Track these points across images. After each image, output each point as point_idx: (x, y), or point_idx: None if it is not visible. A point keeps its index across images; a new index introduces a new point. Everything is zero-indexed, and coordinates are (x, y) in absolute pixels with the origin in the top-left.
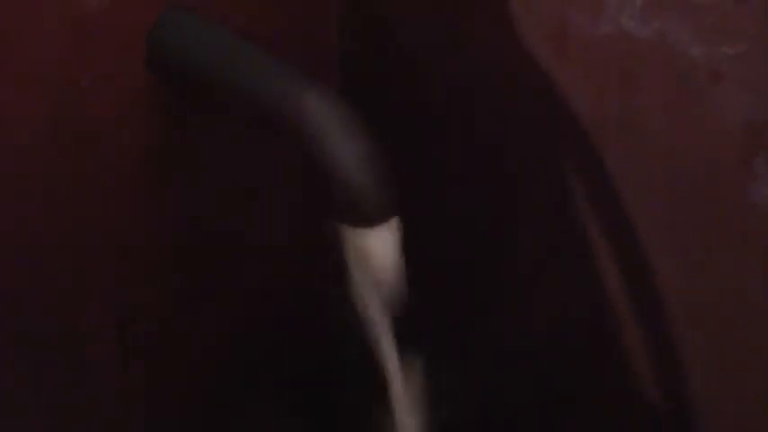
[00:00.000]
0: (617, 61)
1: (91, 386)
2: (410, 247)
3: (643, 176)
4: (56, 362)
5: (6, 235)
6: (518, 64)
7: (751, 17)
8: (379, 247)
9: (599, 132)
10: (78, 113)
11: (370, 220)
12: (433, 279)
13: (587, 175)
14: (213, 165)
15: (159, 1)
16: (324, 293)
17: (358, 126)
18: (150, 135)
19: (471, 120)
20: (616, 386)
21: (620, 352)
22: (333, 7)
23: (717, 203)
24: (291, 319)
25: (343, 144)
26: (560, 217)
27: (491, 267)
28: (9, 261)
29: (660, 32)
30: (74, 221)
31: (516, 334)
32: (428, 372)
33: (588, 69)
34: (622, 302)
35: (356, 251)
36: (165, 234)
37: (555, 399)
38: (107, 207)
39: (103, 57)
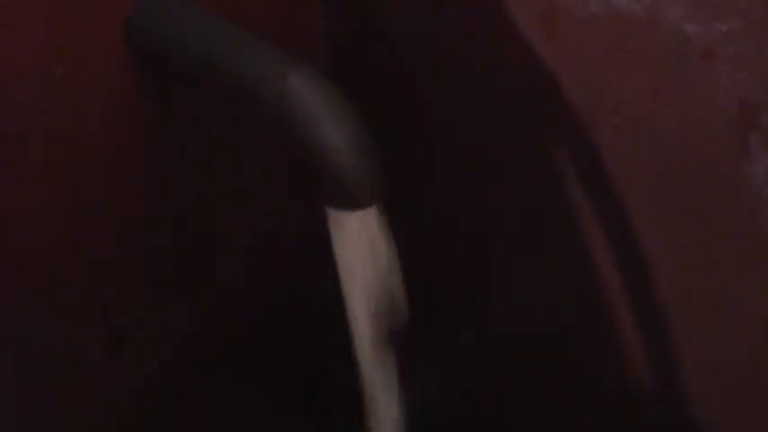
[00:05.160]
0: (607, 40)
1: (75, 374)
2: (395, 231)
3: (635, 156)
4: (39, 350)
5: None
6: (506, 44)
7: None
8: (366, 230)
9: (590, 112)
10: (54, 102)
11: (357, 201)
12: (419, 264)
13: (578, 156)
14: (195, 154)
15: None
16: (310, 286)
17: (345, 105)
18: (130, 123)
19: (458, 101)
20: (606, 373)
21: (611, 337)
22: None
23: (710, 182)
24: (277, 311)
25: (329, 123)
26: (550, 200)
27: (478, 251)
28: None
29: (651, 9)
30: (54, 211)
31: (504, 320)
32: (414, 359)
33: (578, 49)
34: (614, 286)
35: (342, 234)
36: (148, 223)
37: (541, 386)
38: (87, 197)
39: (80, 41)
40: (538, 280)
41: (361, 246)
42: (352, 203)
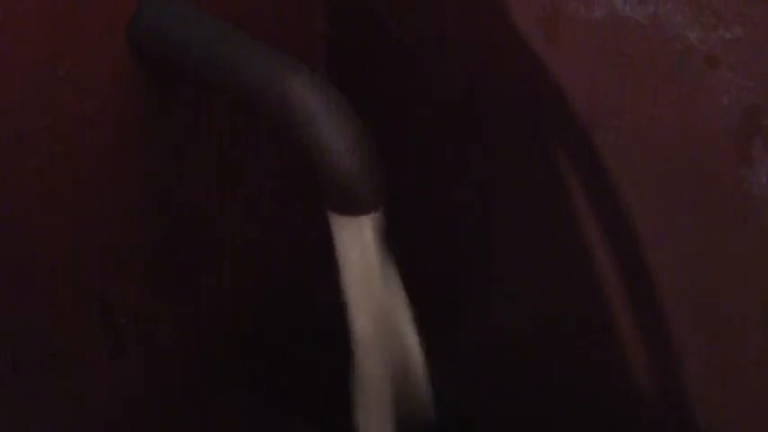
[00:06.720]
0: (610, 46)
1: (75, 374)
2: (395, 236)
3: (637, 162)
4: (39, 350)
5: None
6: (509, 49)
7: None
8: (365, 236)
9: (591, 117)
10: (56, 103)
11: (359, 206)
12: (419, 265)
13: (579, 160)
14: (196, 155)
15: None
16: (310, 286)
17: (346, 109)
18: (131, 124)
19: (459, 105)
20: (606, 373)
21: (611, 337)
22: None
23: (712, 187)
24: (277, 311)
25: (331, 127)
26: (551, 203)
27: (478, 251)
28: None
29: (655, 16)
30: (54, 211)
31: (504, 320)
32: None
33: (581, 54)
34: (615, 291)
35: (344, 238)
36: (149, 224)
37: (541, 386)
38: (87, 197)
39: (82, 43)
40: (538, 281)
41: (360, 252)
42: (353, 208)
